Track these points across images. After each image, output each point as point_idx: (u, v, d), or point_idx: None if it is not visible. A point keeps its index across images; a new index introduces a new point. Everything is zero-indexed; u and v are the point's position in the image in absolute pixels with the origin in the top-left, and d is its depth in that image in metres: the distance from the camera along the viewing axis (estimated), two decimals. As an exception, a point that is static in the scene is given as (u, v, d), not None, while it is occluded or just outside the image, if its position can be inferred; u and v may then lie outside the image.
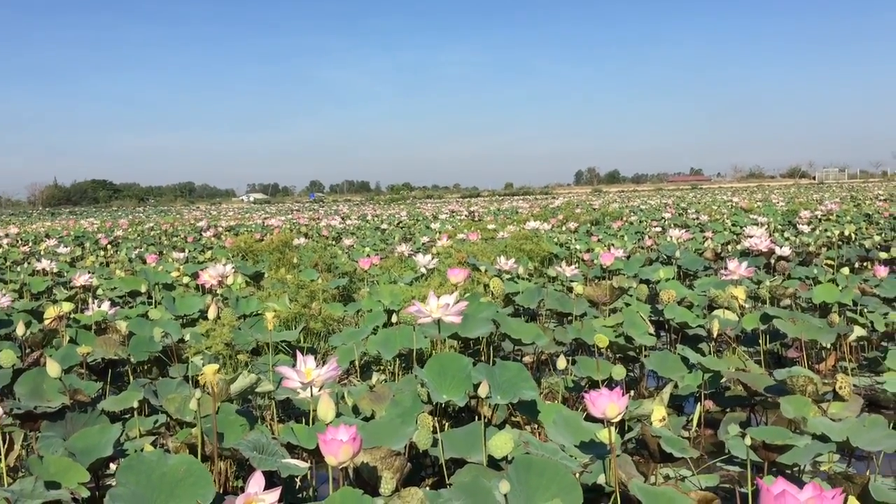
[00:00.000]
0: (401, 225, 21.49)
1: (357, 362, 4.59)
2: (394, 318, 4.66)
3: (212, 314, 4.59)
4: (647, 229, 13.95)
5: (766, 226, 13.30)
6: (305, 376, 2.77)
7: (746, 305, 5.59)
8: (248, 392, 3.22)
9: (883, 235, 10.87)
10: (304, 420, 3.59)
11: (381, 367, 4.81)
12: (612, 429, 2.49)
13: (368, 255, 9.22)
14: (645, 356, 4.40)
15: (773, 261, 7.58)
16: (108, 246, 14.91)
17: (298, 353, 2.92)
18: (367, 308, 5.75)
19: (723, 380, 4.04)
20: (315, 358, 2.86)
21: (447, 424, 3.71)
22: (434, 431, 2.97)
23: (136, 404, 3.28)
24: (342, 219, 25.62)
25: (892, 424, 3.51)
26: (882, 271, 5.96)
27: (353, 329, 5.34)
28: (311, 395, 2.87)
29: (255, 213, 41.42)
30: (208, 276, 6.44)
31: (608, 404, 2.41)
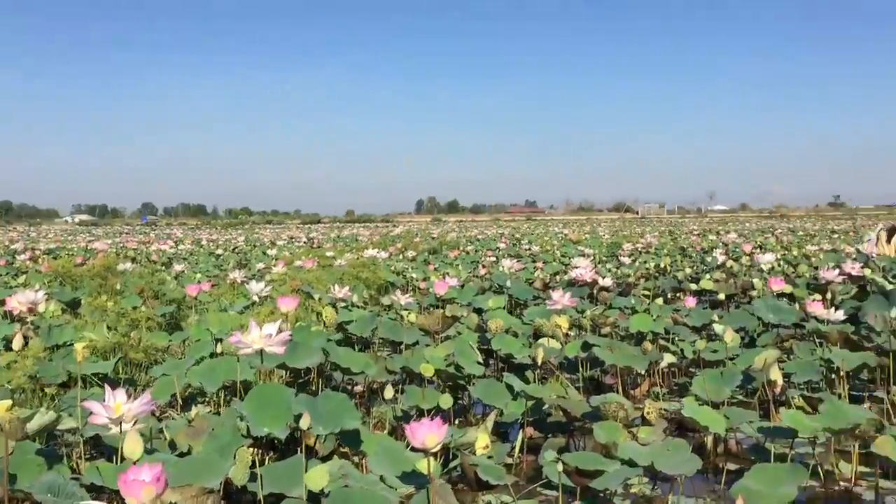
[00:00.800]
0: (237, 250, 20.92)
1: (179, 394, 4.39)
2: (219, 348, 4.50)
3: (16, 344, 4.27)
4: (483, 259, 14.31)
5: (592, 257, 13.98)
6: (114, 411, 2.62)
7: (571, 334, 5.84)
8: (50, 430, 3.00)
9: (694, 268, 11.67)
10: (115, 458, 3.39)
11: (206, 400, 4.63)
12: (431, 458, 2.52)
13: (199, 282, 8.90)
14: (472, 384, 4.48)
15: (595, 291, 7.96)
16: None
17: (107, 387, 2.76)
18: (195, 337, 5.54)
19: (545, 406, 4.17)
20: (133, 390, 2.72)
21: (272, 457, 3.61)
22: (254, 466, 2.88)
23: (-81, 445, 2.98)
24: (175, 243, 24.63)
25: (692, 448, 3.75)
26: (691, 302, 6.40)
27: (177, 359, 5.11)
28: (122, 431, 2.72)
29: (80, 236, 39.05)
30: (17, 303, 5.97)
31: (427, 434, 2.43)
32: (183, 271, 11.83)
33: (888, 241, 11.12)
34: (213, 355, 4.78)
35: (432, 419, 2.54)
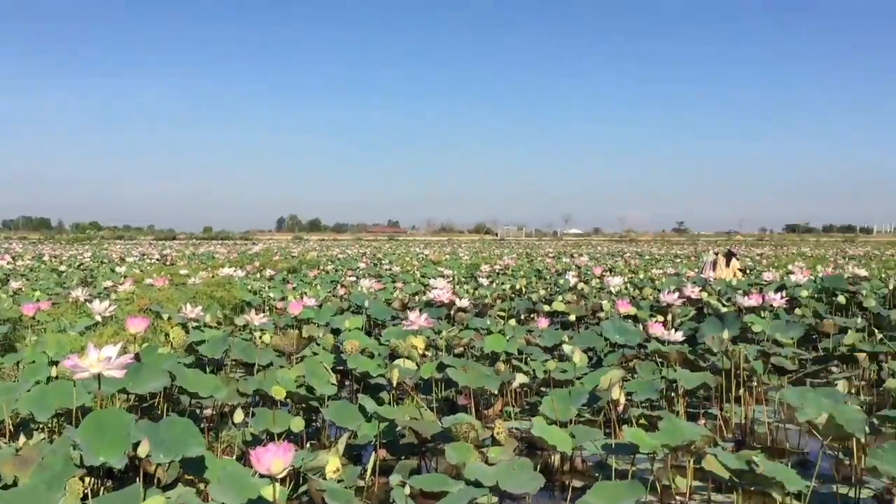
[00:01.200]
0: (82, 267, 19.82)
1: (8, 421, 4.09)
2: (54, 371, 4.24)
3: None
4: (343, 278, 14.21)
5: (451, 278, 14.17)
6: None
7: (428, 354, 5.88)
8: None
9: (548, 290, 12.04)
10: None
11: (40, 426, 4.33)
12: (276, 485, 2.46)
13: (38, 300, 8.35)
14: (325, 406, 4.42)
15: (453, 312, 8.06)
16: None
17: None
18: (29, 359, 5.19)
19: (398, 428, 4.17)
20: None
21: (109, 487, 3.43)
22: (86, 497, 2.72)
23: None
24: (13, 258, 23.06)
25: (538, 466, 3.86)
26: (544, 323, 6.59)
27: (8, 383, 4.77)
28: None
29: None
30: None
31: (273, 459, 2.38)
32: (20, 289, 11.09)
33: (727, 265, 11.88)
34: (48, 379, 4.50)
35: (282, 443, 2.48)
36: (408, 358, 5.41)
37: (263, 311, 8.79)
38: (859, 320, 7.29)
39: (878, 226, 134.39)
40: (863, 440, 3.70)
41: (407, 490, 2.36)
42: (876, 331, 6.64)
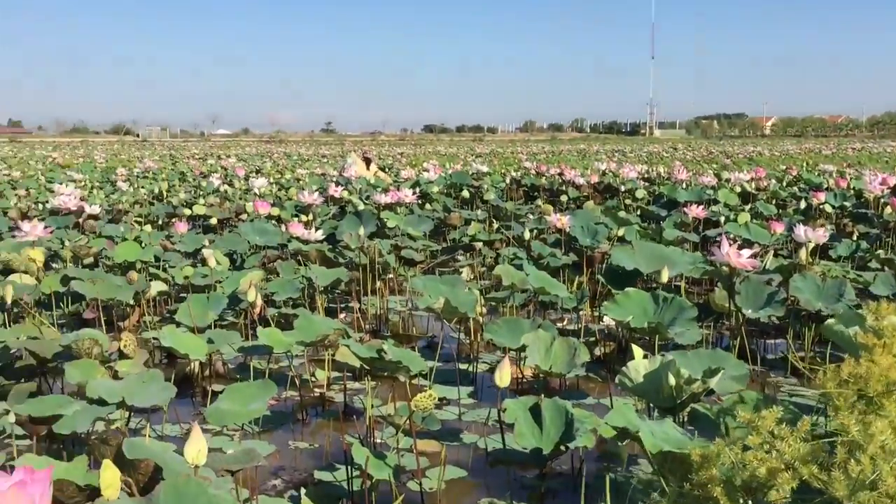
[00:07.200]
0: None
1: None
2: None
3: None
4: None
5: (83, 183, 12.98)
6: None
7: (53, 266, 5.37)
8: None
9: (191, 193, 11.55)
10: None
11: None
12: None
13: None
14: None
15: (82, 219, 7.41)
16: None
17: None
18: None
19: (14, 350, 3.77)
20: None
21: None
22: None
23: None
24: None
25: (177, 375, 3.77)
26: (182, 227, 6.32)
27: None
28: None
29: None
30: None
31: None
32: None
33: (367, 167, 12.31)
34: None
35: None
36: (25, 272, 4.88)
37: None
38: (480, 212, 8.04)
39: (503, 126, 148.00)
40: (479, 319, 4.12)
41: (12, 417, 2.14)
42: (494, 221, 7.37)
